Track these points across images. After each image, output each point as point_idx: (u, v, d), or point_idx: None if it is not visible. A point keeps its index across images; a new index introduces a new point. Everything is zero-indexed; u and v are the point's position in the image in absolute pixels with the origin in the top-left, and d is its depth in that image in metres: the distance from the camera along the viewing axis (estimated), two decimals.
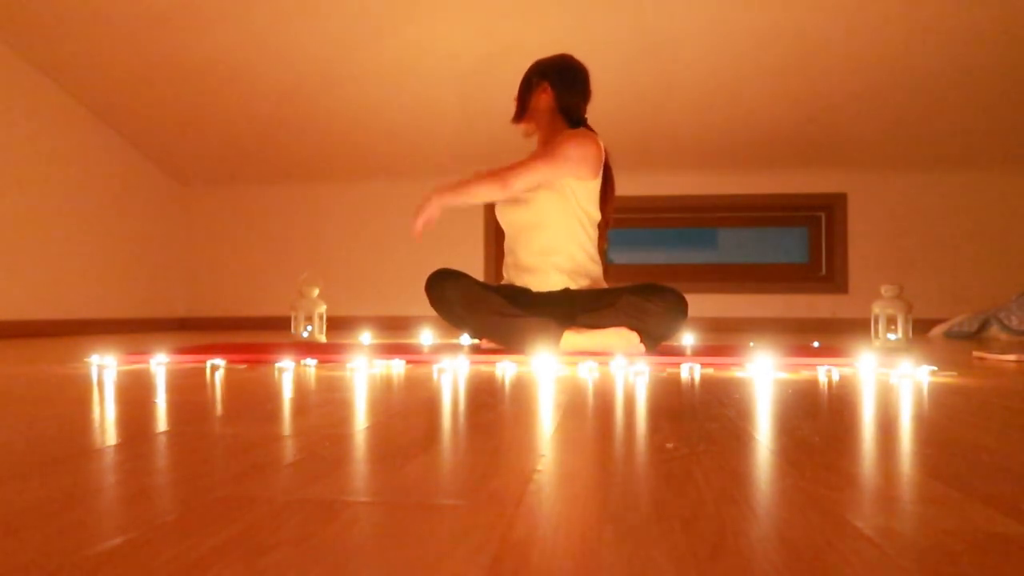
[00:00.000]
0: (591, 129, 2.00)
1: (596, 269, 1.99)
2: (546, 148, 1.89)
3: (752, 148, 4.19)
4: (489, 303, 1.82)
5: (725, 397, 1.10)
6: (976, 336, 3.49)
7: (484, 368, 1.60)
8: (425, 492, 0.54)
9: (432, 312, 1.99)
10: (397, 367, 1.63)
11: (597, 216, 1.99)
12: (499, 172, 1.84)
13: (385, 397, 1.11)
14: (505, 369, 1.56)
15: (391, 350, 1.97)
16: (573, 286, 1.94)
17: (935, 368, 1.50)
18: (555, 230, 1.93)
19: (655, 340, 1.83)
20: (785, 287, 4.46)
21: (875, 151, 4.17)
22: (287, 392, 1.18)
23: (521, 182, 1.85)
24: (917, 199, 4.33)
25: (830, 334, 3.91)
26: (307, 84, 3.68)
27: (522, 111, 2.02)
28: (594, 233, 1.99)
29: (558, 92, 1.98)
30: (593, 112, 2.05)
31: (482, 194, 1.87)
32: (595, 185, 1.94)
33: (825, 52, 3.34)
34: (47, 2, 3.04)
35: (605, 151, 1.98)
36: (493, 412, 0.95)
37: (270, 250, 4.74)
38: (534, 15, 3.18)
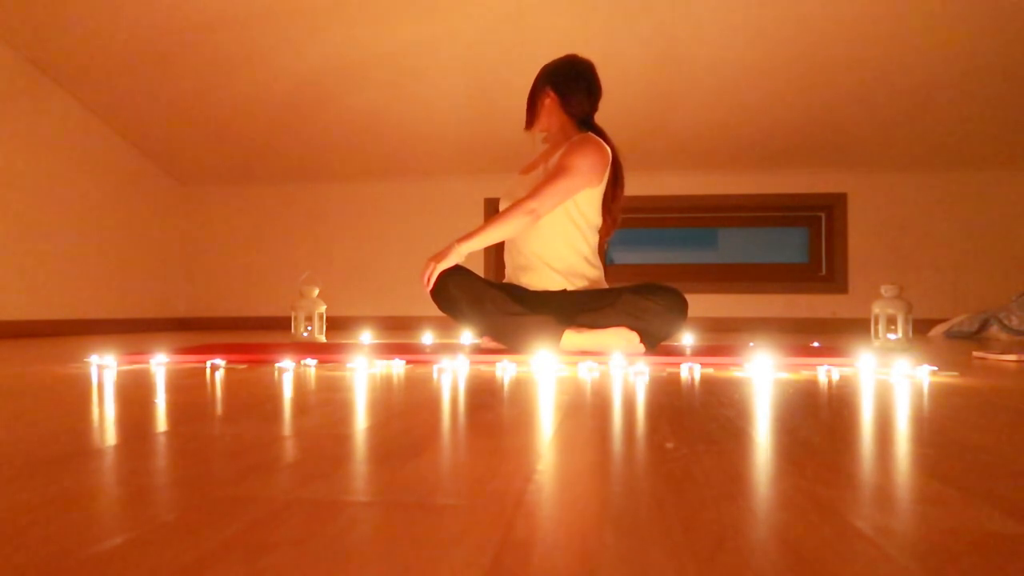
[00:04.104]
0: (599, 129, 2.00)
1: (593, 272, 1.98)
2: (558, 165, 1.89)
3: (752, 148, 4.19)
4: (492, 300, 1.82)
5: (725, 397, 1.10)
6: (976, 336, 3.49)
7: (484, 368, 1.60)
8: (425, 492, 0.54)
9: (432, 312, 1.99)
10: (397, 367, 1.63)
11: (596, 219, 1.98)
12: (525, 205, 1.82)
13: (385, 397, 1.11)
14: (505, 369, 1.56)
15: (391, 350, 1.97)
16: (569, 287, 1.94)
17: (935, 368, 1.50)
18: (548, 232, 1.93)
19: (655, 340, 1.83)
20: (785, 287, 4.46)
21: (875, 151, 4.17)
22: (287, 392, 1.18)
23: (547, 207, 1.85)
24: (917, 199, 4.33)
25: (830, 334, 3.91)
26: (308, 84, 3.68)
27: (531, 119, 2.05)
28: (591, 236, 1.98)
29: (562, 96, 1.99)
30: (597, 111, 2.05)
31: (511, 230, 1.85)
32: (597, 190, 1.93)
33: (825, 52, 3.34)
34: (47, 2, 3.04)
35: (614, 151, 1.98)
36: (493, 412, 0.95)
37: (270, 250, 4.74)
38: (538, 16, 3.18)
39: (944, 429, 0.83)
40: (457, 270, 1.84)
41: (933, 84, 3.52)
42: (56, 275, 3.62)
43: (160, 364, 1.67)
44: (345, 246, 4.68)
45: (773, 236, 4.77)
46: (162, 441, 0.74)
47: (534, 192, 1.84)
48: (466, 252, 1.83)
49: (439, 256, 1.82)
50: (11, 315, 3.32)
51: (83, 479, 0.58)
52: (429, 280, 1.82)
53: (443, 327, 3.92)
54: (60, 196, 3.65)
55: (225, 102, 3.85)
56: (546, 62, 2.06)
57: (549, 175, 1.88)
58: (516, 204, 1.84)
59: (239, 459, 0.65)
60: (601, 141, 1.92)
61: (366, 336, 2.89)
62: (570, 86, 1.99)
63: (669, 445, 0.72)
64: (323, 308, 2.99)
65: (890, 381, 1.36)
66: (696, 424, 0.84)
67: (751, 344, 2.33)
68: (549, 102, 2.00)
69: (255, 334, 3.74)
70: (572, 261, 1.95)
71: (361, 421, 0.87)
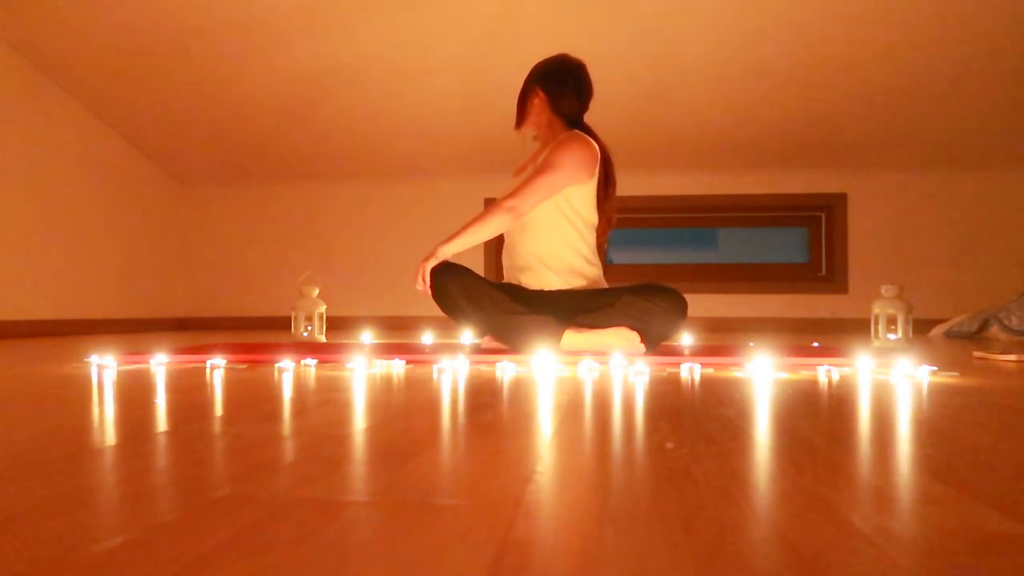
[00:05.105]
0: (588, 129, 2.00)
1: (592, 270, 1.98)
2: (542, 163, 1.89)
3: (752, 148, 4.19)
4: (492, 299, 1.82)
5: (725, 397, 1.10)
6: (976, 336, 3.49)
7: (484, 368, 1.60)
8: (425, 492, 0.54)
9: (432, 312, 1.99)
10: (397, 367, 1.63)
11: (592, 217, 1.98)
12: (503, 204, 1.84)
13: (385, 397, 1.11)
14: (505, 369, 1.56)
15: (391, 350, 1.97)
16: (566, 286, 1.94)
17: (935, 368, 1.50)
18: (544, 231, 1.93)
19: (655, 340, 1.83)
20: (785, 287, 4.46)
21: (875, 151, 4.17)
22: (287, 392, 1.18)
23: (528, 205, 1.86)
24: (917, 199, 4.33)
25: (830, 334, 3.91)
26: (307, 84, 3.68)
27: (521, 119, 2.05)
28: (588, 234, 1.98)
29: (551, 96, 1.99)
30: (593, 112, 2.05)
31: (492, 230, 1.86)
32: (588, 187, 1.93)
33: (825, 52, 3.34)
34: (47, 2, 3.04)
35: (604, 150, 1.98)
36: (493, 412, 0.95)
37: (270, 250, 4.74)
38: (534, 15, 3.18)
39: (944, 429, 0.83)
40: (458, 270, 1.84)
41: (933, 84, 3.52)
42: (56, 275, 3.62)
43: (160, 364, 1.67)
44: (345, 246, 4.68)
45: (773, 236, 4.77)
46: (162, 441, 0.74)
47: (515, 190, 1.85)
48: (450, 253, 1.84)
49: (425, 260, 1.84)
50: (11, 315, 3.32)
51: (83, 479, 0.58)
52: (424, 282, 1.83)
53: (443, 327, 3.92)
54: (60, 196, 3.65)
55: (225, 103, 3.85)
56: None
57: (532, 173, 1.88)
58: (496, 203, 1.85)
59: (239, 459, 0.65)
60: (588, 138, 1.92)
61: (366, 336, 2.89)
62: (559, 85, 1.98)
63: (669, 445, 0.72)
64: (323, 308, 2.99)
65: (890, 381, 1.36)
66: (696, 424, 0.84)
67: (751, 344, 2.33)
68: (538, 101, 2.00)
69: (255, 334, 3.74)
70: (570, 260, 1.95)
71: (361, 421, 0.87)
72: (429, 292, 1.86)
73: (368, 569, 0.39)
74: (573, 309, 1.86)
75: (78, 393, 1.15)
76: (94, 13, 3.11)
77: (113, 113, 3.91)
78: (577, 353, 1.77)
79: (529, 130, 2.06)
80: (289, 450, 0.70)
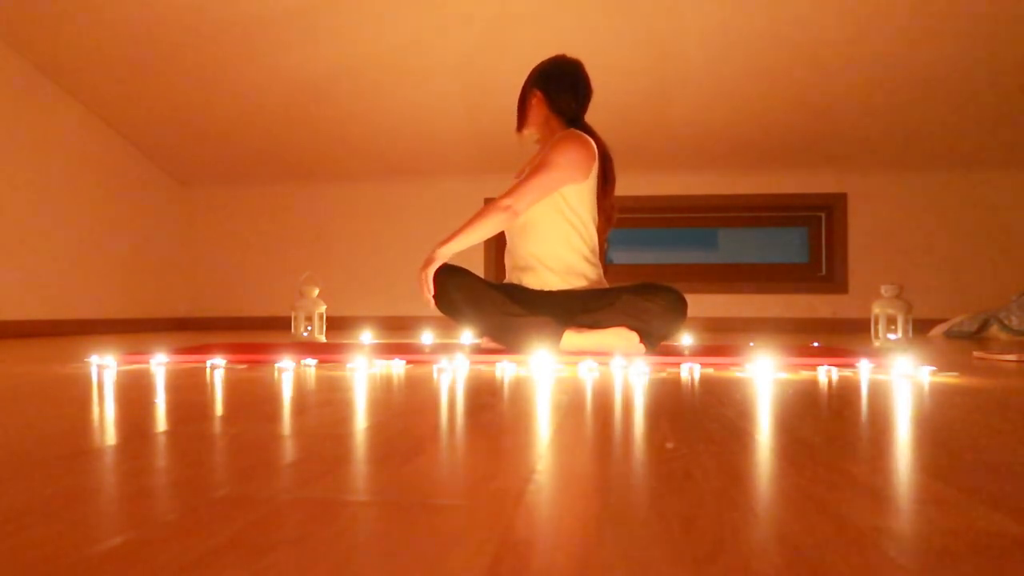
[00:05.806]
0: (586, 127, 2.00)
1: (592, 270, 1.98)
2: (538, 162, 1.89)
3: (752, 148, 4.19)
4: (492, 301, 1.82)
5: (725, 397, 1.10)
6: (976, 336, 3.49)
7: (484, 368, 1.60)
8: (425, 492, 0.54)
9: (432, 312, 1.99)
10: (397, 367, 1.63)
11: (591, 216, 1.97)
12: (499, 203, 1.84)
13: (385, 397, 1.11)
14: (505, 369, 1.56)
15: (391, 350, 1.97)
16: (566, 286, 1.93)
17: (935, 368, 1.50)
18: (543, 231, 1.93)
19: (655, 340, 1.83)
20: (785, 287, 4.46)
21: (875, 151, 4.17)
22: (287, 392, 1.18)
23: (524, 204, 1.86)
24: (917, 199, 4.34)
25: (830, 334, 3.91)
26: (308, 84, 3.68)
27: (521, 121, 2.05)
28: (588, 234, 1.97)
29: (548, 95, 1.99)
30: (594, 112, 2.05)
31: (489, 229, 1.86)
32: (586, 186, 1.93)
33: (825, 52, 3.34)
34: (47, 2, 3.04)
35: (604, 148, 1.98)
36: (493, 412, 0.95)
37: (270, 250, 4.74)
38: (534, 16, 3.18)
39: (944, 429, 0.83)
40: (457, 271, 1.84)
41: (933, 84, 3.52)
42: (56, 275, 3.62)
43: (160, 364, 1.67)
44: (345, 246, 4.68)
45: (773, 236, 4.77)
46: (162, 441, 0.74)
47: (511, 189, 1.85)
48: (448, 255, 1.84)
49: (425, 264, 1.83)
50: (11, 315, 3.32)
51: (83, 479, 0.58)
52: (429, 287, 1.83)
53: (443, 327, 3.92)
54: (61, 196, 3.65)
55: (225, 103, 3.85)
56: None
57: (530, 171, 1.89)
58: (492, 202, 1.85)
59: (239, 459, 0.65)
60: (584, 136, 1.91)
61: (366, 336, 2.89)
62: (556, 84, 1.99)
63: (669, 445, 0.72)
64: (323, 308, 3.00)
65: (890, 381, 1.36)
66: (696, 424, 0.84)
67: (751, 344, 2.33)
68: (536, 101, 2.01)
69: (255, 334, 3.74)
70: (570, 260, 1.95)
71: (361, 421, 0.87)
72: (432, 297, 1.86)
73: (368, 569, 0.39)
74: (573, 309, 1.86)
75: (78, 393, 1.15)
76: (94, 13, 3.11)
77: (113, 113, 3.91)
78: (577, 353, 1.76)
79: (532, 132, 2.07)
80: (289, 450, 0.70)
